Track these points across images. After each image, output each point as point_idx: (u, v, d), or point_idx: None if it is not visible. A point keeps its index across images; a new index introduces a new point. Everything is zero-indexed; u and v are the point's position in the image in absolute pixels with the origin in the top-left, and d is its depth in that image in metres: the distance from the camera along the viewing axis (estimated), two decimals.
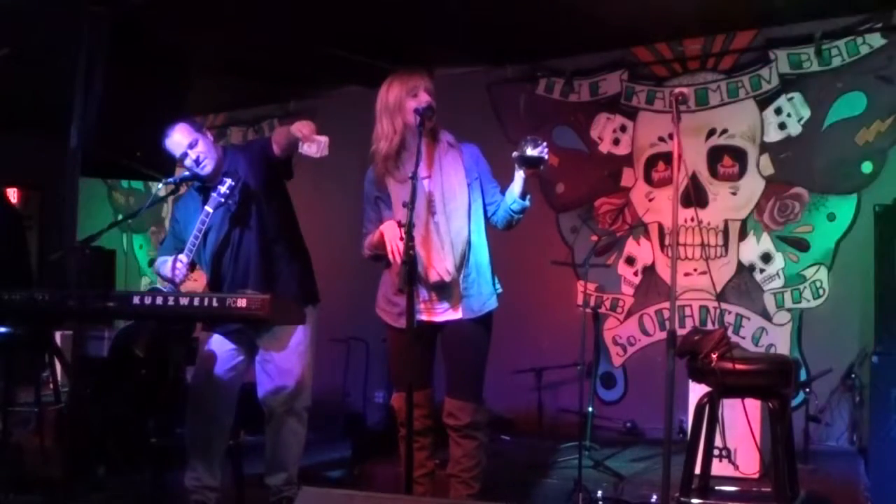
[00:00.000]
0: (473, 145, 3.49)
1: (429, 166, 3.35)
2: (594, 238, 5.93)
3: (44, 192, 8.21)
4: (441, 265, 3.28)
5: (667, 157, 5.88)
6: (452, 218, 3.33)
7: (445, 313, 3.36)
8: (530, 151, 3.20)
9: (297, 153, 3.39)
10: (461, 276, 3.33)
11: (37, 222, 8.08)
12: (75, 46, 4.66)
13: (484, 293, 3.39)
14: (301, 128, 3.31)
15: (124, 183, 8.69)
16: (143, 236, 8.59)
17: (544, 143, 3.21)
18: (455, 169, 3.38)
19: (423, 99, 3.30)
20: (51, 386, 5.07)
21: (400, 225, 3.14)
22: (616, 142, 6.16)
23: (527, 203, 3.36)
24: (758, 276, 5.63)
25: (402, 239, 3.10)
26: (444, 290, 3.33)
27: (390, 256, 3.23)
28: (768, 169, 5.64)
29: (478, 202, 3.41)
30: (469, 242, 3.34)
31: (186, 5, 5.15)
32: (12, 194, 7.81)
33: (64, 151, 4.71)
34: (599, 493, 4.16)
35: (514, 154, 3.23)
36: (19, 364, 4.78)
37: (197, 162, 3.62)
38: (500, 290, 3.47)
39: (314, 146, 3.26)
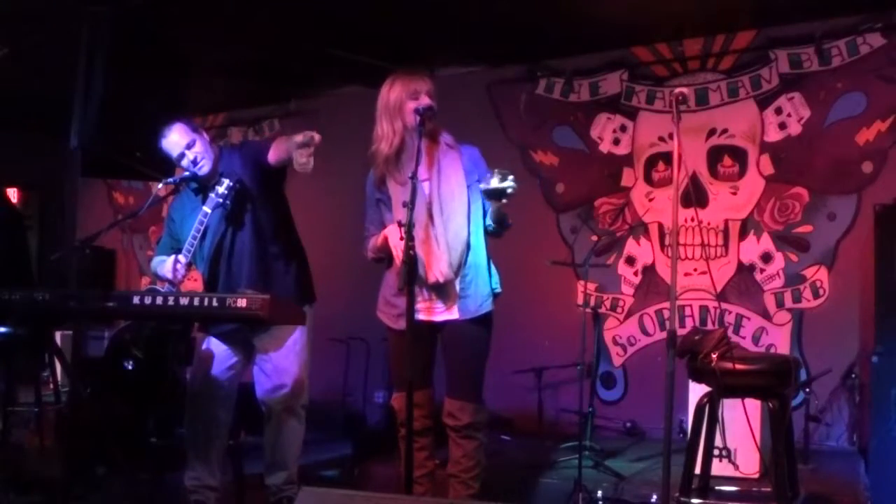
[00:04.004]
0: (473, 147, 3.48)
1: (428, 168, 3.35)
2: (594, 238, 5.92)
3: (44, 192, 8.23)
4: (438, 266, 3.28)
5: (667, 157, 5.88)
6: (451, 220, 3.33)
7: (444, 313, 3.36)
8: (494, 184, 3.15)
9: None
10: (458, 277, 3.34)
11: (37, 222, 8.10)
12: (75, 46, 4.66)
13: (481, 294, 3.39)
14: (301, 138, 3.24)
15: (124, 183, 8.69)
16: (143, 236, 8.59)
17: (511, 175, 3.16)
18: (454, 170, 3.37)
19: (424, 100, 3.29)
20: (51, 386, 5.07)
21: (400, 225, 3.14)
22: (616, 142, 6.16)
23: (500, 229, 3.38)
24: (758, 276, 5.63)
25: (402, 239, 3.10)
26: (442, 291, 3.33)
27: (397, 261, 3.22)
28: (768, 169, 5.64)
29: (477, 203, 3.40)
30: (467, 244, 3.35)
31: (186, 5, 5.15)
32: (12, 194, 7.83)
33: (64, 151, 4.70)
34: (599, 493, 4.16)
35: (481, 185, 3.22)
36: (19, 364, 4.78)
37: (194, 162, 3.61)
38: (498, 291, 3.46)
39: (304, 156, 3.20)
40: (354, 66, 6.35)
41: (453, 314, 3.35)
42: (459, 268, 3.33)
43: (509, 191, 3.15)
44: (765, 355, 4.88)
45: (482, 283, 3.40)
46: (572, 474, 4.17)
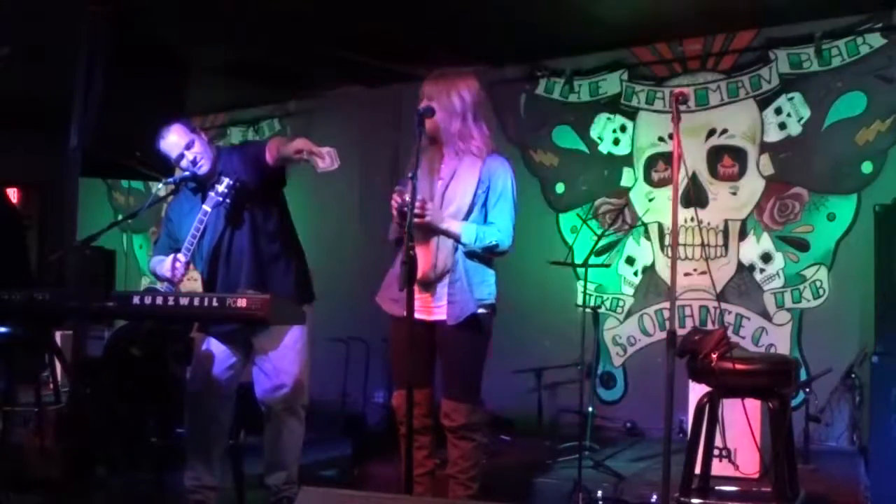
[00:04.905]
0: (501, 160, 3.48)
1: (440, 169, 3.44)
2: (594, 238, 5.92)
3: (44, 192, 8.23)
4: (423, 265, 3.29)
5: (667, 157, 5.87)
6: None
7: (436, 312, 3.39)
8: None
9: (313, 167, 3.28)
10: (447, 280, 3.35)
11: (37, 222, 8.10)
12: (75, 46, 4.66)
13: (469, 300, 3.36)
14: (299, 146, 3.24)
15: (124, 183, 8.69)
16: (143, 236, 8.59)
17: (418, 203, 3.19)
18: (467, 176, 3.41)
19: (423, 102, 3.37)
20: (51, 386, 5.07)
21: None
22: (616, 142, 6.16)
23: (464, 248, 3.37)
24: (758, 276, 5.63)
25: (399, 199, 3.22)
26: (430, 290, 3.36)
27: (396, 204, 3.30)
28: (768, 169, 5.64)
29: (480, 212, 3.42)
30: (457, 248, 3.36)
31: (186, 5, 5.15)
32: (12, 194, 7.83)
33: (64, 151, 4.71)
34: (599, 493, 4.16)
35: None
36: (19, 364, 4.77)
37: (194, 163, 3.61)
38: (488, 301, 3.43)
39: (326, 160, 3.21)
40: (354, 66, 6.35)
41: (443, 315, 3.37)
42: (446, 272, 3.35)
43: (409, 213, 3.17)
44: (765, 355, 4.89)
45: (473, 290, 3.38)
46: (572, 474, 4.17)
